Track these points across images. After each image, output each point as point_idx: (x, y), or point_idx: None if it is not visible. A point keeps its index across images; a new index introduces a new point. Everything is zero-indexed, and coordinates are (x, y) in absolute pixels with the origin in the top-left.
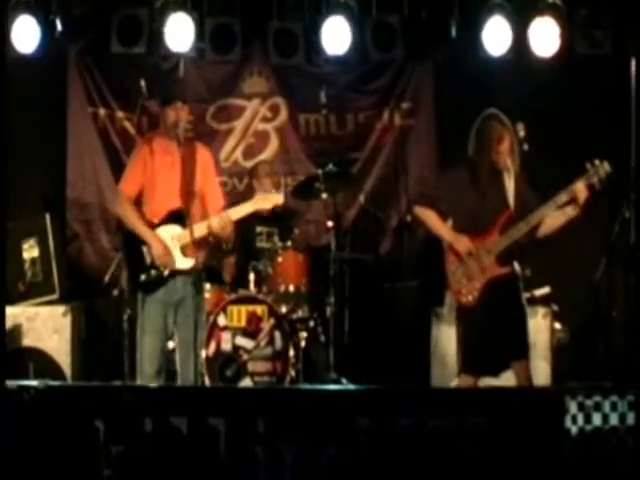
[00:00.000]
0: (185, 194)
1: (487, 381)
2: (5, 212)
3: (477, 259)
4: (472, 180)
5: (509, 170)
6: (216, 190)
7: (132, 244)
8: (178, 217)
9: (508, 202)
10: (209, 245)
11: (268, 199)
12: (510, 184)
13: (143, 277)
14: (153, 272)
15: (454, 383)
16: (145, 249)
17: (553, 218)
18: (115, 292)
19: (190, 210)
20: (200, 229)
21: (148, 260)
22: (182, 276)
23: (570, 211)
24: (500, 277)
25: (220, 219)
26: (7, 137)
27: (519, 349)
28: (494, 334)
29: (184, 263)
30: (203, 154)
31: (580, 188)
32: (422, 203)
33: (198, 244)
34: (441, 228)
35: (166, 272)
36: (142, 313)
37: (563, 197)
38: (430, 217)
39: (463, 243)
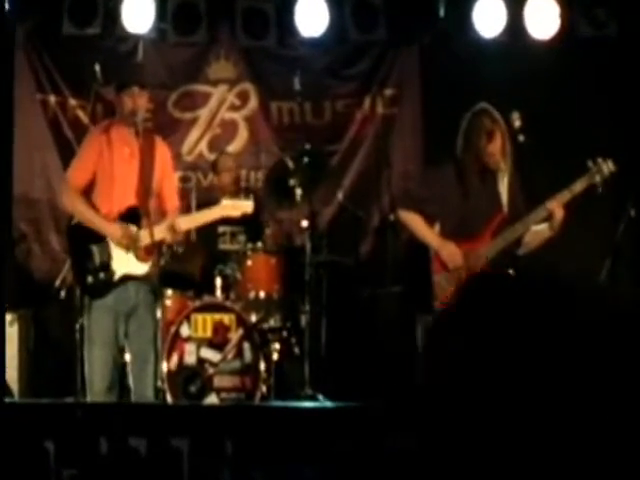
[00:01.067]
0: (142, 191)
1: None
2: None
3: (466, 265)
4: (460, 180)
5: (502, 170)
6: (174, 188)
7: (79, 242)
8: (134, 216)
9: (501, 204)
10: (167, 248)
11: (236, 207)
12: (503, 185)
13: (90, 279)
14: (102, 275)
15: None
16: (95, 248)
17: (531, 234)
18: (62, 294)
19: (148, 209)
20: (158, 231)
21: (97, 261)
22: (135, 282)
23: (545, 230)
24: None
25: (171, 226)
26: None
27: None
28: None
29: (138, 268)
30: (162, 148)
31: (555, 206)
32: (407, 206)
33: (154, 247)
34: (427, 234)
35: (116, 276)
36: (89, 321)
37: (541, 213)
38: (415, 221)
39: (450, 252)
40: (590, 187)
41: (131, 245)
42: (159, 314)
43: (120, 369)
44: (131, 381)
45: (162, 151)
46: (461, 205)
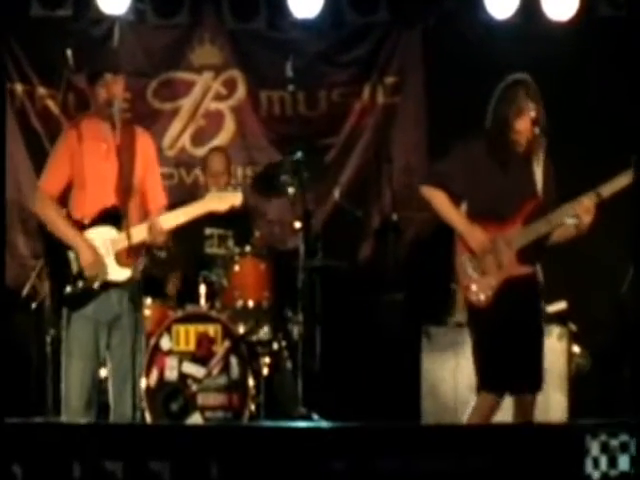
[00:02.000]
0: (122, 189)
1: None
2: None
3: (494, 251)
4: (490, 156)
5: (535, 152)
6: (158, 185)
7: (55, 249)
8: (113, 217)
9: (536, 189)
10: (145, 252)
11: (223, 199)
12: (539, 169)
13: (69, 289)
14: (81, 284)
15: (471, 404)
16: (72, 255)
17: (561, 229)
18: (33, 305)
19: (127, 209)
20: (139, 232)
21: (75, 269)
22: (117, 289)
23: (572, 228)
24: (520, 278)
25: (151, 227)
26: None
27: (530, 379)
28: (510, 347)
29: (119, 274)
30: (144, 141)
31: (585, 207)
32: (430, 182)
33: (136, 250)
34: (452, 215)
35: (96, 284)
36: (67, 333)
37: (574, 207)
38: (439, 200)
39: (477, 238)
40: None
41: (99, 276)
42: (141, 324)
43: (99, 385)
44: (111, 398)
45: (144, 144)
46: (491, 184)
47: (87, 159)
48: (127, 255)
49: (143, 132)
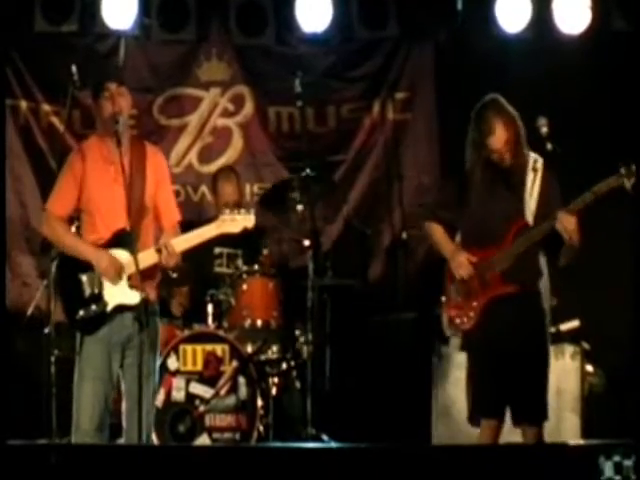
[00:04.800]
0: (133, 211)
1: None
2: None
3: (477, 275)
4: (477, 181)
5: (526, 170)
6: (171, 201)
7: (66, 271)
8: (125, 240)
9: (522, 209)
10: (158, 274)
11: (235, 222)
12: (535, 187)
13: (82, 313)
14: (94, 307)
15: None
16: (84, 278)
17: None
18: (47, 330)
19: (140, 229)
20: (151, 256)
21: (87, 292)
22: (131, 312)
23: (567, 246)
24: (506, 297)
25: (163, 250)
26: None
27: (529, 407)
28: (504, 371)
29: (132, 297)
30: (154, 157)
31: (563, 215)
32: (424, 216)
33: (151, 272)
34: (442, 243)
35: (109, 307)
36: (81, 356)
37: (550, 222)
38: (435, 231)
39: (458, 262)
40: (618, 190)
41: (118, 276)
42: (156, 343)
43: (112, 407)
44: (124, 420)
45: (154, 160)
46: (480, 209)
47: (95, 183)
48: (139, 278)
49: (153, 148)
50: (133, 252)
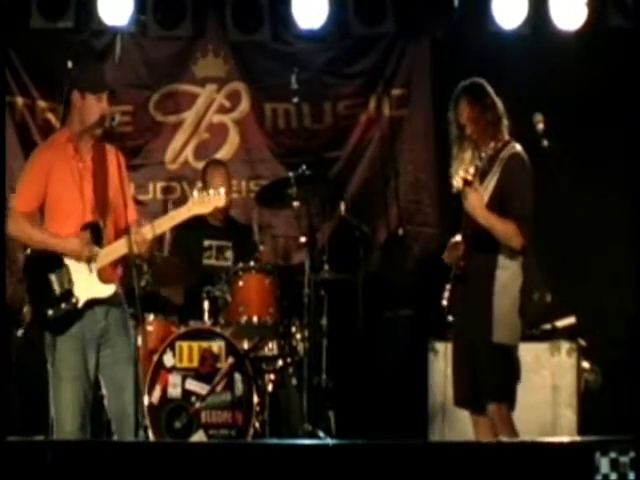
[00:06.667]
0: (100, 207)
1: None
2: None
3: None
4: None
5: (492, 151)
6: (130, 201)
7: (35, 270)
8: (93, 233)
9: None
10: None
11: (205, 202)
12: (495, 171)
13: (51, 312)
14: (64, 305)
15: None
16: (53, 277)
17: None
18: (19, 332)
19: (106, 225)
20: (121, 247)
21: (57, 290)
22: (102, 306)
23: None
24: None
25: (132, 238)
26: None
27: (488, 385)
28: (468, 350)
29: (103, 290)
30: (114, 156)
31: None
32: None
33: (116, 266)
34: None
35: (81, 303)
36: (55, 357)
37: None
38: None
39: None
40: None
41: (91, 256)
42: (138, 339)
43: (93, 405)
44: (111, 416)
45: (115, 159)
46: None
47: (61, 179)
48: (109, 271)
49: (111, 148)
50: (101, 245)
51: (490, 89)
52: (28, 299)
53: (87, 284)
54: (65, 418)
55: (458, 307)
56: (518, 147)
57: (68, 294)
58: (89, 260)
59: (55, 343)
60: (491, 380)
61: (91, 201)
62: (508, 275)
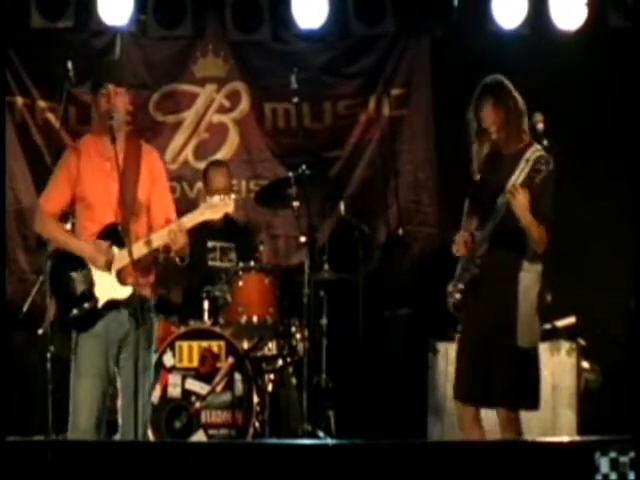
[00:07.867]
0: (124, 206)
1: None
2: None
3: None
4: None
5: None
6: (166, 200)
7: (58, 270)
8: (113, 235)
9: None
10: (158, 266)
11: (215, 208)
12: (519, 173)
13: (75, 312)
14: (87, 305)
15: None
16: (75, 275)
17: None
18: (40, 331)
19: (129, 225)
20: (140, 248)
21: (79, 290)
22: (126, 307)
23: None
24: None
25: (169, 230)
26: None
27: (506, 386)
28: (483, 349)
29: (122, 292)
30: (150, 155)
31: (515, 191)
32: None
33: (143, 267)
34: None
35: (100, 303)
36: (77, 354)
37: None
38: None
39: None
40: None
41: (107, 262)
42: (152, 339)
43: (109, 404)
44: (120, 417)
45: (150, 158)
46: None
47: (89, 179)
48: (130, 273)
49: (148, 147)
50: (122, 246)
51: (510, 85)
52: (54, 297)
53: (107, 285)
54: (82, 416)
55: (472, 304)
56: (540, 148)
57: (89, 294)
58: (106, 266)
59: (78, 341)
60: (511, 383)
61: (117, 201)
62: (531, 278)
